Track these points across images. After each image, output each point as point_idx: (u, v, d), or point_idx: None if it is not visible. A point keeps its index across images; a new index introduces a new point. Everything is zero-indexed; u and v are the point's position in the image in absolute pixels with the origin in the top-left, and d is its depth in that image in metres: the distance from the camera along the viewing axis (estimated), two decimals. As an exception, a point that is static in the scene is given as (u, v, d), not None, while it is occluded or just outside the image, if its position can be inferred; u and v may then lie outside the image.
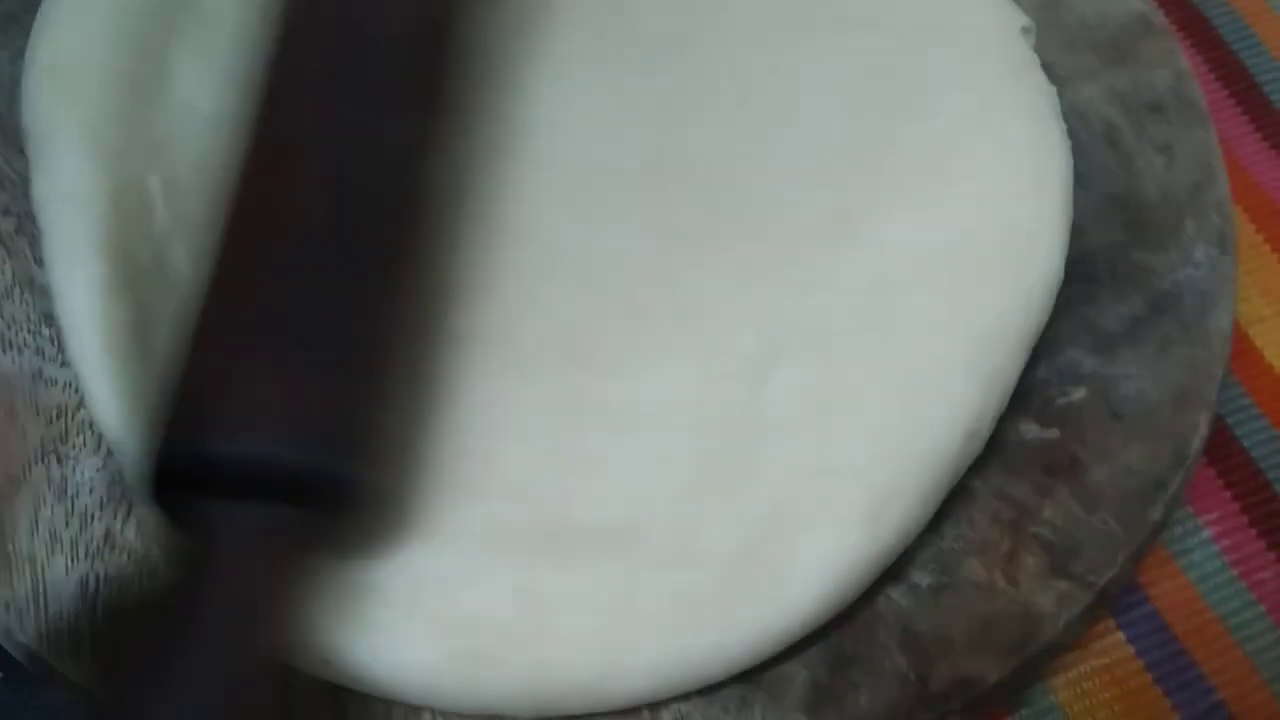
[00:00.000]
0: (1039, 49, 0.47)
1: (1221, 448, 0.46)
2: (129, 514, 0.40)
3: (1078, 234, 0.44)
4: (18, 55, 0.45)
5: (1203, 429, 0.41)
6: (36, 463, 0.40)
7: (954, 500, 0.40)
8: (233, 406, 0.35)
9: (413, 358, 0.40)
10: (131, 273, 0.41)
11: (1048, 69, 0.46)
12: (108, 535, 0.39)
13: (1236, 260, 0.44)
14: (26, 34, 0.45)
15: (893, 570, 0.39)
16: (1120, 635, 0.43)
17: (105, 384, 0.40)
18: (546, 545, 0.38)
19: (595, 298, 0.42)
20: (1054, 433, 0.41)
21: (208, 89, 0.44)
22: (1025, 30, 0.46)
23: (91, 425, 0.40)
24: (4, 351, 0.41)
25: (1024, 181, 0.43)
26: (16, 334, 0.42)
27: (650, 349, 0.41)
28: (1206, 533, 0.45)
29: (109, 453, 0.40)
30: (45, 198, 0.42)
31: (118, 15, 0.45)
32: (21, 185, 0.44)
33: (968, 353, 0.41)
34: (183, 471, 0.35)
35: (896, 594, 0.39)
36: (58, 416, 0.40)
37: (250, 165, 0.38)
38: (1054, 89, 0.45)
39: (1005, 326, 0.41)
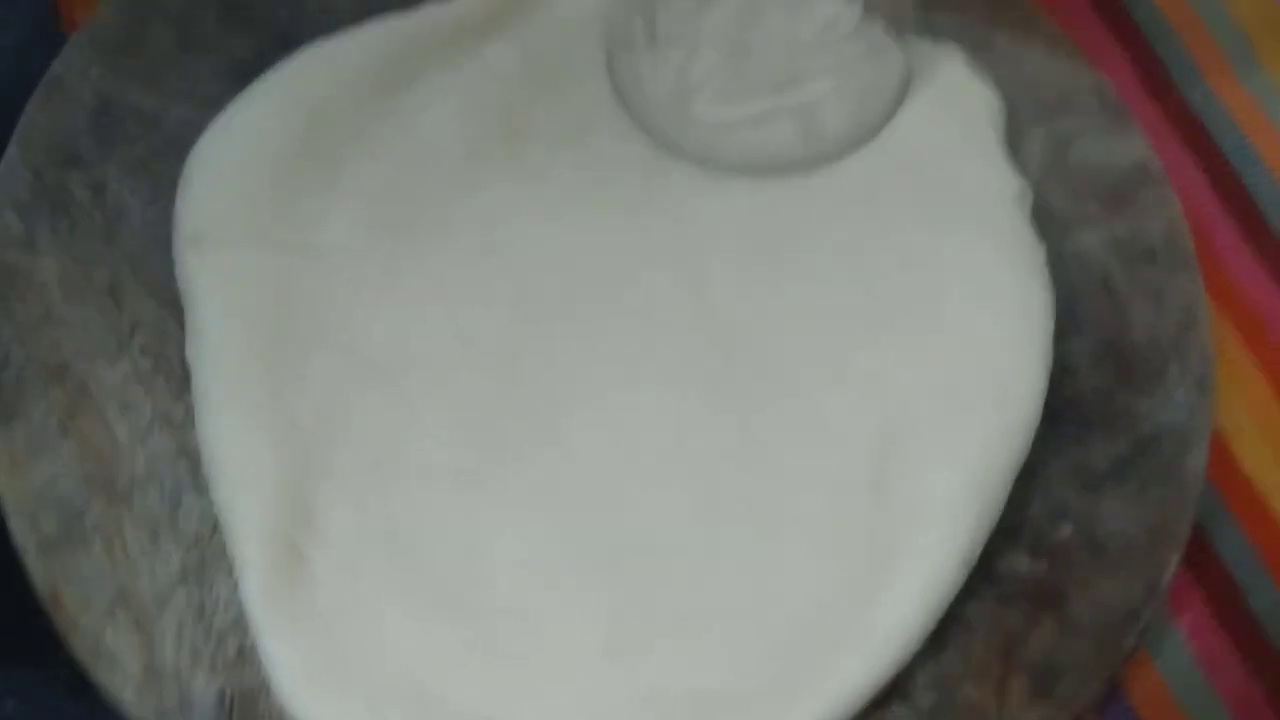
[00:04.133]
0: (1047, 197, 0.52)
1: (1198, 552, 0.51)
2: (257, 634, 0.47)
3: (1072, 377, 0.49)
4: (149, 202, 0.52)
5: (1173, 565, 0.47)
6: (179, 585, 0.47)
7: (955, 629, 0.46)
8: None
9: None
10: (275, 430, 0.48)
11: (1053, 216, 0.52)
12: (240, 651, 0.46)
13: (1214, 399, 0.50)
14: (157, 181, 0.52)
15: (900, 689, 0.45)
16: (1101, 731, 0.50)
17: (245, 525, 0.47)
18: None
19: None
20: (1043, 565, 0.47)
21: (347, 231, 0.51)
22: (1020, 194, 0.51)
23: (224, 550, 0.47)
24: (149, 483, 0.48)
25: (1006, 332, 0.48)
26: (157, 467, 0.49)
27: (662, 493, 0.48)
28: (1180, 634, 0.51)
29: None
30: (196, 359, 0.49)
31: (256, 174, 0.51)
32: (156, 325, 0.50)
33: (962, 488, 0.46)
34: None
35: (902, 712, 0.45)
36: (195, 543, 0.47)
37: None
38: (1042, 247, 0.50)
39: (990, 463, 0.47)
